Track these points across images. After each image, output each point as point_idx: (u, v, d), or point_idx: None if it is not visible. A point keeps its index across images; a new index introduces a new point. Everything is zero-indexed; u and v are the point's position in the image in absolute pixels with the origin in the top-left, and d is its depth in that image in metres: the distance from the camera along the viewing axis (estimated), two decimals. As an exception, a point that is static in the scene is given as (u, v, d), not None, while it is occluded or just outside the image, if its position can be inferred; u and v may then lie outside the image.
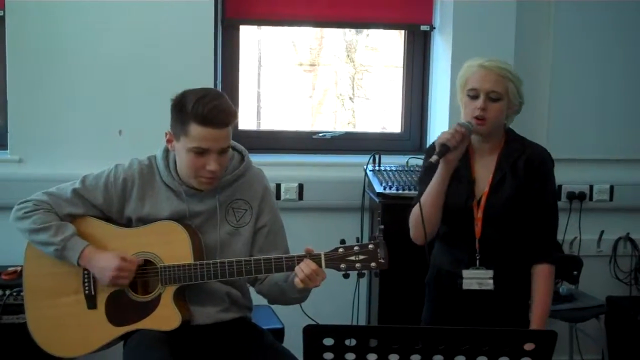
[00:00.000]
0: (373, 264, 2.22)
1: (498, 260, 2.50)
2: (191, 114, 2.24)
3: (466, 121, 2.47)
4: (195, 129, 2.25)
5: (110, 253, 2.35)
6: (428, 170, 2.54)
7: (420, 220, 2.46)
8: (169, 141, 2.37)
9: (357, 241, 2.25)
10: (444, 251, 2.61)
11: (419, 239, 2.54)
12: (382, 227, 2.22)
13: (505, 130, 2.58)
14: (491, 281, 2.49)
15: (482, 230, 2.50)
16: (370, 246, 2.22)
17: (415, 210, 2.52)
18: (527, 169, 2.50)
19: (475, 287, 2.49)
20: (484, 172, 2.54)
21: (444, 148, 2.39)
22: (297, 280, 2.23)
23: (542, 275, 2.51)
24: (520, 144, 2.55)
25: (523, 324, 2.54)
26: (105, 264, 2.33)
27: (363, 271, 2.23)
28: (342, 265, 2.23)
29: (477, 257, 2.50)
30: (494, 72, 2.45)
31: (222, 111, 2.26)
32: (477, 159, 2.57)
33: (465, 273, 2.50)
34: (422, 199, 2.47)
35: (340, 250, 2.23)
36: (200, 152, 2.27)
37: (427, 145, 3.93)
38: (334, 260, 2.23)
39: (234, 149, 2.49)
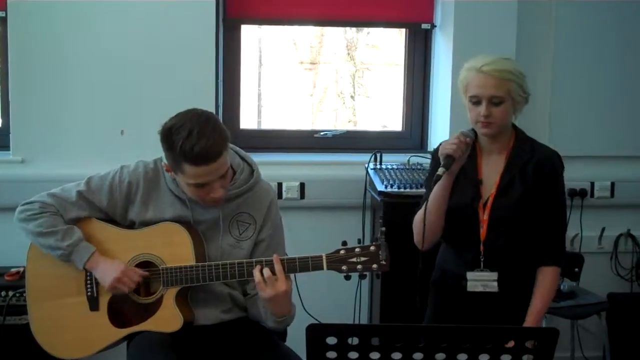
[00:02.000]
0: (374, 266, 2.22)
1: (502, 262, 2.48)
2: (181, 155, 2.17)
3: (469, 129, 2.46)
4: (188, 169, 2.20)
5: (117, 261, 2.35)
6: (432, 173, 2.52)
7: (423, 226, 2.45)
8: (167, 171, 2.35)
9: (359, 242, 2.24)
10: (449, 252, 2.59)
11: (420, 244, 2.51)
12: (383, 228, 2.21)
13: (513, 128, 2.55)
14: (495, 283, 2.47)
15: (487, 232, 2.47)
16: (372, 248, 2.22)
17: (419, 215, 2.51)
18: (537, 174, 2.47)
19: (480, 289, 2.47)
20: (491, 173, 2.51)
21: (450, 160, 2.38)
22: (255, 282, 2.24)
23: (548, 276, 2.48)
24: (529, 146, 2.51)
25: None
26: (111, 268, 2.33)
27: (364, 273, 2.23)
28: (344, 267, 2.23)
29: (482, 260, 2.48)
30: (493, 76, 2.40)
31: (212, 146, 2.17)
32: (485, 159, 2.53)
33: (470, 275, 2.48)
34: (426, 207, 2.45)
35: (342, 252, 2.23)
36: (201, 186, 2.26)
37: (429, 144, 3.97)
38: (336, 262, 2.23)
39: (243, 159, 2.47)
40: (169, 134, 2.20)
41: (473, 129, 2.47)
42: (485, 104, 2.41)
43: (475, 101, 2.43)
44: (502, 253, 2.47)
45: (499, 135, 2.50)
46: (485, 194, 2.49)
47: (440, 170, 2.37)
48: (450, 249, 2.59)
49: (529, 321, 2.45)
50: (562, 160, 2.53)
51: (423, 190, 3.28)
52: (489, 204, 2.47)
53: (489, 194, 2.48)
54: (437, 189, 2.43)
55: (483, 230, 2.47)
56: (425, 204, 2.45)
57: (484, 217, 2.47)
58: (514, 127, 2.56)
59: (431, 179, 2.50)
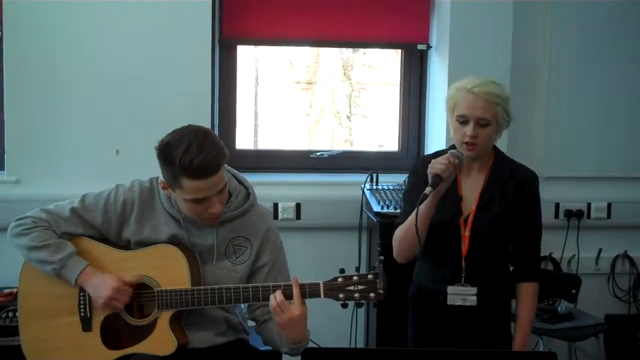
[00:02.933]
0: (372, 295, 2.20)
1: (482, 277, 2.54)
2: (179, 169, 2.16)
3: (457, 151, 2.49)
4: (187, 183, 2.19)
5: (109, 275, 2.33)
6: (413, 188, 2.56)
7: (407, 239, 2.48)
8: (164, 189, 2.33)
9: (356, 270, 2.23)
10: (427, 268, 2.63)
11: (402, 257, 2.57)
12: (382, 257, 2.20)
13: (493, 149, 2.61)
14: (475, 297, 2.53)
15: (469, 247, 2.53)
16: (370, 276, 2.21)
17: (399, 231, 2.54)
18: (517, 193, 2.55)
19: (459, 302, 2.53)
20: (471, 190, 2.57)
21: (438, 179, 2.40)
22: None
23: (529, 293, 2.59)
24: (509, 166, 2.59)
25: (504, 338, 2.61)
26: (102, 284, 2.30)
27: (361, 301, 2.22)
28: (341, 295, 2.21)
29: (463, 274, 2.53)
30: (482, 98, 2.45)
31: (211, 160, 2.17)
32: (465, 177, 2.59)
33: (450, 289, 2.54)
34: (410, 220, 2.46)
35: (339, 279, 2.22)
36: (198, 201, 2.24)
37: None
38: (333, 290, 2.21)
39: (240, 183, 2.46)
40: (167, 149, 2.20)
41: (461, 153, 2.49)
42: (473, 125, 2.46)
43: (463, 121, 2.48)
44: (482, 268, 2.54)
45: (480, 155, 2.56)
46: (466, 211, 2.55)
47: (428, 190, 2.38)
48: (428, 264, 2.62)
49: (519, 336, 2.56)
50: (537, 177, 2.63)
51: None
52: (469, 220, 2.53)
53: (469, 211, 2.54)
54: (423, 207, 2.44)
55: (465, 246, 2.53)
56: (415, 214, 2.42)
57: (466, 232, 2.53)
58: (494, 147, 2.62)
59: (411, 193, 2.56)
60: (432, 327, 2.61)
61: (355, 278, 2.21)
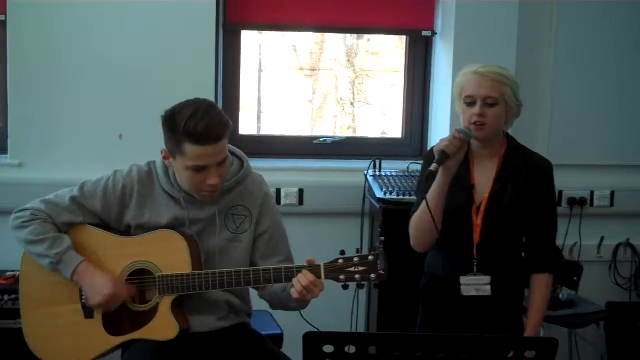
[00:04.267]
0: (373, 276, 2.20)
1: (495, 266, 2.50)
2: (184, 133, 2.19)
3: (465, 127, 2.46)
4: (190, 149, 2.21)
5: (106, 277, 2.32)
6: (427, 179, 2.51)
7: (424, 226, 2.46)
8: (165, 158, 2.34)
9: (357, 251, 2.23)
10: (439, 257, 2.60)
11: (420, 246, 2.54)
12: (382, 238, 2.21)
13: (505, 136, 2.58)
14: (489, 287, 2.49)
15: (481, 236, 2.49)
16: (370, 257, 2.21)
17: (415, 217, 2.52)
18: (529, 181, 2.50)
19: (474, 293, 2.49)
20: (483, 178, 2.53)
21: (443, 155, 2.37)
22: (293, 291, 2.22)
23: (543, 284, 2.54)
24: (522, 153, 2.55)
25: (517, 327, 2.56)
26: (97, 287, 2.30)
27: (362, 282, 2.22)
28: (342, 277, 2.21)
29: (475, 264, 2.50)
30: (489, 77, 2.43)
31: (215, 126, 2.21)
32: (477, 164, 2.55)
33: (463, 280, 2.50)
34: (424, 204, 2.45)
35: (340, 261, 2.22)
36: (199, 169, 2.25)
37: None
38: (334, 271, 2.22)
39: (233, 154, 2.47)
40: (173, 115, 2.24)
41: (469, 128, 2.46)
42: (480, 104, 2.43)
43: (470, 102, 2.45)
44: (495, 257, 2.50)
45: (491, 141, 2.52)
46: (478, 199, 2.51)
47: (434, 167, 2.36)
48: (441, 254, 2.58)
49: (531, 328, 2.51)
50: (552, 166, 2.57)
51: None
52: (482, 209, 2.49)
53: (482, 199, 2.50)
54: (434, 189, 2.43)
55: (476, 235, 2.50)
56: (425, 203, 2.42)
57: (478, 221, 2.49)
58: (506, 135, 2.58)
59: (423, 185, 2.52)
60: (443, 317, 2.57)
61: (356, 259, 2.21)
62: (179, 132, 2.20)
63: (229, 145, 2.47)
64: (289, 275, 2.25)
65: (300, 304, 2.34)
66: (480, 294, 2.48)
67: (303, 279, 2.20)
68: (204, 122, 2.19)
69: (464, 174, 2.51)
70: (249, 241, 2.42)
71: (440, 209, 2.46)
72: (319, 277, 2.22)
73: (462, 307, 2.52)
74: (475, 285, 2.49)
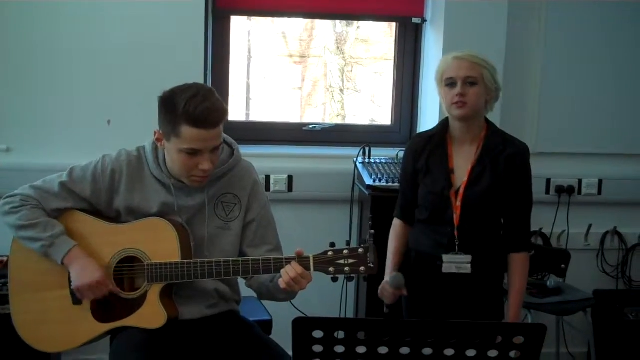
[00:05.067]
0: (362, 269, 2.20)
1: (475, 246, 2.60)
2: (182, 115, 2.18)
3: (395, 274, 2.55)
4: (187, 131, 2.20)
5: (96, 265, 2.31)
6: (402, 177, 2.75)
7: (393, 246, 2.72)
8: (158, 140, 2.33)
9: (347, 244, 2.23)
10: (425, 234, 2.68)
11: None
12: (372, 231, 2.20)
13: (485, 121, 2.66)
14: (469, 265, 2.59)
15: (460, 218, 2.58)
16: (360, 250, 2.20)
17: (390, 242, 2.74)
18: (508, 166, 2.60)
19: (454, 270, 2.59)
20: (462, 162, 2.63)
21: (387, 308, 2.56)
22: (281, 282, 2.21)
23: (520, 263, 2.64)
24: (501, 138, 2.64)
25: (497, 306, 2.67)
26: (86, 272, 2.29)
27: (352, 275, 2.21)
28: (331, 269, 2.21)
29: (457, 243, 2.59)
30: (468, 60, 2.57)
31: (214, 111, 2.20)
32: (457, 149, 2.65)
33: (445, 257, 2.59)
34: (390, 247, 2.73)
35: (330, 253, 2.21)
36: (192, 153, 2.24)
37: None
38: (323, 263, 2.21)
39: (224, 140, 2.46)
40: (172, 96, 2.22)
41: (399, 274, 2.55)
42: (460, 84, 2.55)
43: (450, 83, 2.57)
44: (475, 237, 2.60)
45: (471, 124, 2.62)
46: (457, 182, 2.61)
47: (386, 311, 2.55)
48: (427, 232, 2.68)
49: (512, 307, 2.62)
50: (529, 150, 2.67)
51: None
52: (460, 192, 2.59)
53: (461, 182, 2.60)
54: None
55: (456, 217, 2.59)
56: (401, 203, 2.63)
57: (457, 203, 2.59)
58: (486, 120, 2.67)
59: (401, 182, 2.76)
60: (427, 295, 2.67)
61: (345, 252, 2.20)
62: (177, 113, 2.19)
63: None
64: (278, 266, 2.24)
65: (288, 295, 2.34)
66: (461, 271, 2.58)
67: (291, 270, 2.19)
68: (204, 105, 2.18)
69: (443, 159, 2.63)
70: (238, 228, 2.42)
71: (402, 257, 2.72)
72: (307, 269, 2.21)
73: (444, 284, 2.61)
74: (456, 263, 2.59)
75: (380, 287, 2.60)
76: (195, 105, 2.17)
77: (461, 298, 2.62)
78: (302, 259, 2.22)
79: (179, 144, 2.23)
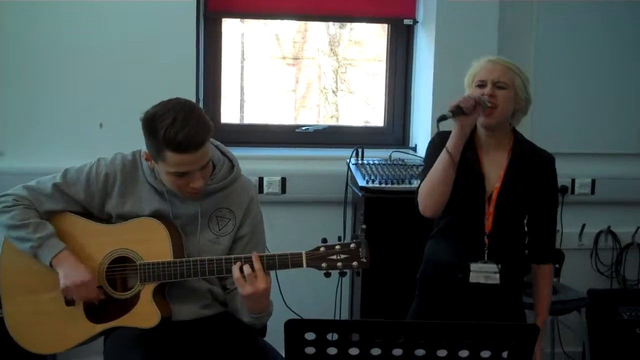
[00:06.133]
0: (355, 263, 2.20)
1: (504, 255, 2.53)
2: (163, 142, 2.15)
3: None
4: (171, 156, 2.18)
5: (84, 267, 2.30)
6: (431, 158, 2.53)
7: (433, 186, 2.45)
8: (147, 160, 2.32)
9: (339, 239, 2.23)
10: (445, 245, 2.59)
11: (430, 208, 2.50)
12: (364, 226, 2.21)
13: (512, 130, 2.61)
14: (497, 275, 2.50)
15: (493, 224, 2.51)
16: (352, 245, 2.20)
17: (426, 180, 2.50)
18: (538, 175, 2.55)
19: (482, 280, 2.50)
20: (493, 168, 2.56)
21: (458, 109, 2.39)
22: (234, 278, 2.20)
23: (547, 275, 2.61)
24: (530, 147, 2.60)
25: (519, 315, 2.61)
26: (73, 273, 2.28)
27: (345, 270, 2.22)
28: (324, 265, 2.21)
29: (486, 252, 2.51)
30: (502, 64, 2.51)
31: (195, 135, 2.15)
32: (485, 154, 2.58)
33: (473, 266, 2.51)
34: (435, 168, 2.46)
35: (322, 249, 2.21)
36: (181, 175, 2.23)
37: (410, 140, 3.98)
38: (316, 259, 2.21)
39: (224, 155, 2.46)
40: (152, 121, 2.18)
41: (484, 99, 2.47)
42: (490, 86, 2.47)
43: (481, 84, 2.49)
44: (505, 245, 2.53)
45: (498, 131, 2.55)
46: (489, 187, 2.53)
47: (447, 114, 2.39)
48: (447, 241, 2.59)
49: (542, 314, 2.61)
50: (555, 163, 2.64)
51: (405, 185, 3.30)
52: (493, 197, 2.51)
53: (493, 188, 2.53)
54: (445, 153, 2.44)
55: (489, 223, 2.51)
56: (446, 153, 2.44)
57: (490, 209, 2.51)
58: (514, 129, 2.61)
59: (430, 160, 2.53)
60: (444, 305, 2.58)
61: (337, 247, 2.21)
62: (159, 139, 2.16)
63: (222, 145, 2.48)
64: (271, 263, 2.24)
65: (253, 319, 2.31)
66: (489, 281, 2.50)
67: (247, 267, 2.19)
68: (184, 131, 2.14)
69: (474, 162, 2.54)
70: (227, 243, 2.41)
71: (453, 176, 2.45)
72: (300, 265, 2.21)
73: (466, 294, 2.53)
74: (484, 272, 2.50)
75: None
76: (175, 132, 2.13)
77: (483, 311, 2.52)
78: (294, 256, 2.22)
79: (166, 168, 2.22)
